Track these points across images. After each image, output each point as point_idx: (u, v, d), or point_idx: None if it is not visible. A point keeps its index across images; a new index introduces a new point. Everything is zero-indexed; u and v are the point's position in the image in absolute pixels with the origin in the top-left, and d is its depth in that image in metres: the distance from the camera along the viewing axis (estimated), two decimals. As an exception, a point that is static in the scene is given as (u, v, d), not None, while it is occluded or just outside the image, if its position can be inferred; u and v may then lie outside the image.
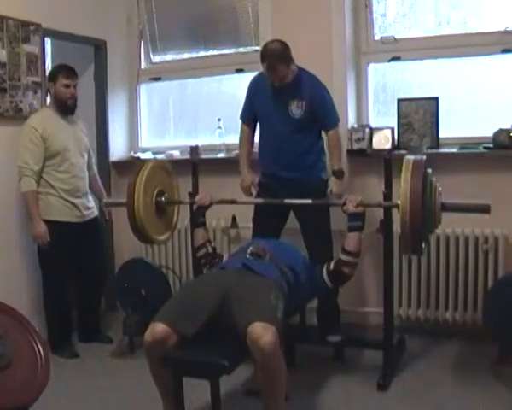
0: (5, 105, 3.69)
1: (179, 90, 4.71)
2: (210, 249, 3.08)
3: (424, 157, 2.69)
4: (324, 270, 2.86)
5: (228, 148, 4.27)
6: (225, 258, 3.24)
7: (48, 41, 4.28)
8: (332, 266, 2.85)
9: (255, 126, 3.57)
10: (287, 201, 3.22)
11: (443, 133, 3.79)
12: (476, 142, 3.67)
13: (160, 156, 4.51)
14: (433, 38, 3.84)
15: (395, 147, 3.83)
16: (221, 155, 4.29)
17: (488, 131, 3.57)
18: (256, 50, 4.16)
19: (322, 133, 3.47)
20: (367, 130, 3.85)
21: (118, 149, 4.65)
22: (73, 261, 3.81)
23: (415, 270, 3.74)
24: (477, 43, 3.69)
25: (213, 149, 4.34)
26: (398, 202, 2.63)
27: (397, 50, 3.91)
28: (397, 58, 3.92)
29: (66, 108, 3.69)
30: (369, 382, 3.14)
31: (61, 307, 3.78)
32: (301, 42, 3.74)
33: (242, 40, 4.38)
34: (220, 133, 4.32)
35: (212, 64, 4.47)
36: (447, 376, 3.25)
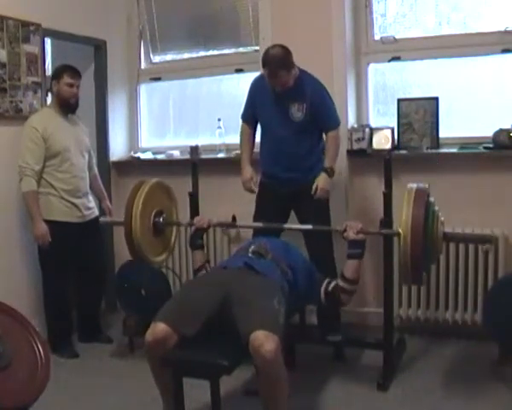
0: (5, 105, 3.69)
1: (179, 91, 4.71)
2: (209, 270, 3.07)
3: (427, 185, 2.66)
4: (323, 288, 2.86)
5: (228, 148, 4.27)
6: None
7: (48, 41, 4.28)
8: (331, 288, 2.84)
9: (256, 126, 3.58)
10: (287, 226, 3.20)
11: (443, 133, 3.79)
12: (476, 142, 3.67)
13: (160, 156, 4.52)
14: (433, 38, 3.84)
15: (395, 147, 3.83)
16: (221, 155, 4.29)
17: (488, 131, 3.58)
18: (256, 50, 4.17)
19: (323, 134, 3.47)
20: (367, 130, 3.86)
21: (118, 149, 4.65)
22: (74, 261, 3.81)
23: (415, 270, 3.73)
24: (477, 43, 3.69)
25: (213, 149, 4.34)
26: (400, 230, 2.61)
27: (397, 50, 3.91)
28: (397, 58, 3.92)
29: (68, 107, 3.69)
30: (369, 382, 3.14)
31: (61, 307, 3.78)
32: (301, 42, 3.74)
33: (242, 40, 4.38)
34: (220, 133, 4.32)
35: (212, 64, 4.47)
36: (447, 376, 3.26)
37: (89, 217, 3.79)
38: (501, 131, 3.51)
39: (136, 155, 4.57)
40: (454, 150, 3.69)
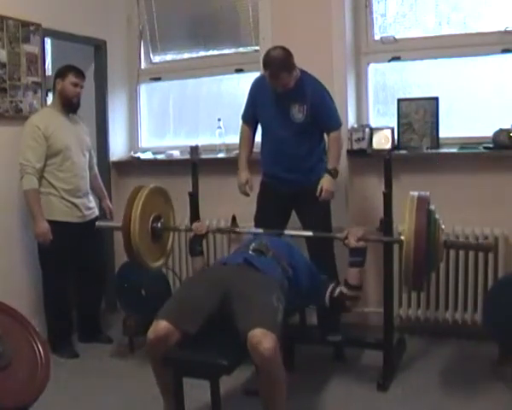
0: (5, 105, 3.69)
1: (179, 91, 4.71)
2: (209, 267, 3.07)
3: (428, 193, 2.68)
4: (328, 293, 2.86)
5: (228, 148, 4.27)
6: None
7: (48, 41, 4.28)
8: (336, 294, 2.84)
9: (256, 127, 3.58)
10: (287, 232, 3.18)
11: (443, 133, 3.79)
12: (476, 142, 3.67)
13: (160, 156, 4.52)
14: (433, 38, 3.84)
15: (395, 147, 3.83)
16: (221, 155, 4.29)
17: (488, 131, 3.57)
18: (256, 50, 4.17)
19: (324, 135, 3.47)
20: (367, 130, 3.86)
21: (118, 149, 4.65)
22: (74, 261, 3.80)
23: (415, 270, 3.73)
24: (477, 43, 3.69)
25: (213, 149, 4.34)
26: (401, 237, 2.64)
27: (397, 50, 3.91)
28: (397, 58, 3.92)
29: (70, 106, 3.70)
30: (369, 382, 3.14)
31: (62, 307, 3.78)
32: (301, 42, 3.74)
33: (242, 40, 4.38)
34: (220, 133, 4.32)
35: (212, 64, 4.46)
36: (447, 376, 3.26)
37: (89, 217, 3.79)
38: (501, 131, 3.51)
39: (136, 155, 4.57)
40: (454, 150, 3.69)
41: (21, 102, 3.79)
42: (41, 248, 3.66)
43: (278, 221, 3.44)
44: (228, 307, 2.52)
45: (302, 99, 3.32)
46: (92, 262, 3.86)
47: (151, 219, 3.13)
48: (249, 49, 4.33)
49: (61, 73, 3.69)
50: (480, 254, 3.56)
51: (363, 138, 3.83)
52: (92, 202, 3.88)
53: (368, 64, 4.02)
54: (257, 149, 3.61)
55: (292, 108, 3.34)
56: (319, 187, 3.33)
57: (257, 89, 3.51)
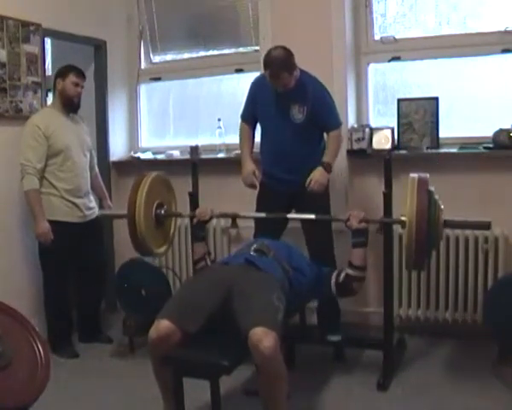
0: (5, 105, 3.69)
1: (179, 90, 4.71)
2: (209, 262, 3.09)
3: (428, 175, 2.72)
4: (333, 279, 2.91)
5: (228, 148, 4.27)
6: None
7: (48, 41, 4.28)
8: (341, 279, 2.89)
9: (255, 125, 3.57)
10: (290, 216, 3.21)
11: (443, 133, 3.79)
12: (476, 142, 3.67)
13: (160, 156, 4.52)
14: (433, 38, 3.84)
15: (395, 147, 3.83)
16: (221, 155, 4.29)
17: (488, 131, 3.58)
18: (256, 50, 4.18)
19: (324, 135, 3.46)
20: (367, 130, 3.86)
21: (118, 149, 4.65)
22: (74, 261, 3.80)
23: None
24: (477, 43, 3.69)
25: (213, 149, 4.34)
26: (403, 218, 2.69)
27: (397, 50, 3.91)
28: (397, 58, 3.92)
29: (71, 105, 3.70)
30: (369, 382, 3.14)
31: (62, 307, 3.78)
32: (301, 42, 3.74)
33: (242, 40, 4.38)
34: (220, 133, 4.32)
35: (212, 64, 4.47)
36: (447, 376, 3.26)
37: (90, 217, 3.79)
38: (501, 131, 3.51)
39: (136, 155, 4.57)
40: (454, 150, 3.69)
41: (21, 102, 3.79)
42: (41, 248, 3.66)
43: (278, 221, 3.44)
44: (229, 306, 2.53)
45: (302, 99, 3.31)
46: (92, 262, 3.86)
47: (155, 205, 3.18)
48: (249, 49, 4.33)
49: (61, 73, 3.69)
50: (480, 255, 3.57)
51: (363, 138, 3.83)
52: (93, 201, 3.88)
53: (368, 64, 4.02)
54: (256, 149, 3.60)
55: (292, 109, 3.34)
56: (309, 179, 3.30)
57: (257, 88, 3.50)
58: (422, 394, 3.04)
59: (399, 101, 3.88)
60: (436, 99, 3.79)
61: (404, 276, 3.76)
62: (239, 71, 4.35)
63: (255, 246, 2.91)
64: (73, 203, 3.68)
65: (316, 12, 3.92)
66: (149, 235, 3.11)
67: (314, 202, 3.34)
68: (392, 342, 3.28)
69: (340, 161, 3.75)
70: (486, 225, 2.77)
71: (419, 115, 3.82)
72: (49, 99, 3.97)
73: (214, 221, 4.14)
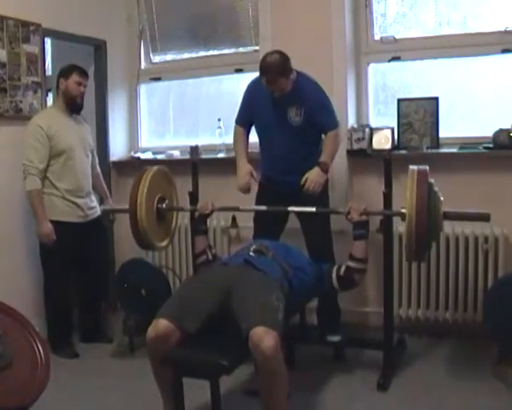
0: (5, 105, 3.69)
1: (179, 91, 4.71)
2: (210, 256, 3.09)
3: (427, 167, 2.72)
4: (334, 273, 2.93)
5: (228, 148, 4.26)
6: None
7: (48, 41, 4.28)
8: (342, 272, 2.91)
9: (250, 129, 3.54)
10: (290, 209, 3.21)
11: (443, 133, 3.79)
12: (476, 142, 3.67)
13: (160, 156, 4.52)
14: (433, 38, 3.84)
15: (395, 147, 3.83)
16: (221, 155, 4.29)
17: (488, 131, 3.58)
18: (256, 50, 4.17)
19: (322, 136, 3.46)
20: (367, 130, 3.86)
21: (118, 149, 4.65)
22: (75, 261, 3.80)
23: (415, 270, 3.74)
24: (477, 43, 3.69)
25: (213, 149, 4.34)
26: (403, 210, 2.70)
27: (397, 50, 3.91)
28: (397, 58, 3.92)
29: (74, 105, 3.69)
30: (369, 382, 3.14)
31: (62, 307, 3.78)
32: (301, 42, 3.74)
33: (242, 40, 4.38)
34: (220, 133, 4.32)
35: (212, 64, 4.47)
36: (447, 376, 3.26)
37: (91, 217, 3.79)
38: (501, 131, 3.51)
39: (136, 155, 4.57)
40: (454, 150, 3.69)
41: (21, 102, 3.79)
42: (43, 248, 3.66)
43: (277, 222, 3.44)
44: (228, 307, 2.53)
45: (299, 102, 3.30)
46: (94, 262, 3.86)
47: (156, 199, 3.18)
48: (249, 49, 4.33)
49: (64, 73, 3.69)
50: (480, 255, 3.57)
51: (363, 138, 3.83)
52: (94, 201, 3.87)
53: (368, 64, 4.02)
54: (253, 149, 3.59)
55: (289, 112, 3.32)
56: (304, 178, 3.27)
57: (253, 91, 3.48)
58: (422, 394, 3.04)
59: (399, 101, 3.88)
60: (436, 99, 3.79)
61: (404, 276, 3.76)
62: (239, 71, 4.35)
63: (254, 247, 2.92)
64: (75, 203, 3.68)
65: (316, 12, 3.92)
66: (151, 229, 3.12)
67: (313, 204, 3.34)
68: (392, 342, 3.28)
69: (340, 161, 3.75)
70: (486, 217, 2.77)
71: (419, 115, 3.82)
72: (49, 99, 3.97)
73: (214, 221, 4.14)
